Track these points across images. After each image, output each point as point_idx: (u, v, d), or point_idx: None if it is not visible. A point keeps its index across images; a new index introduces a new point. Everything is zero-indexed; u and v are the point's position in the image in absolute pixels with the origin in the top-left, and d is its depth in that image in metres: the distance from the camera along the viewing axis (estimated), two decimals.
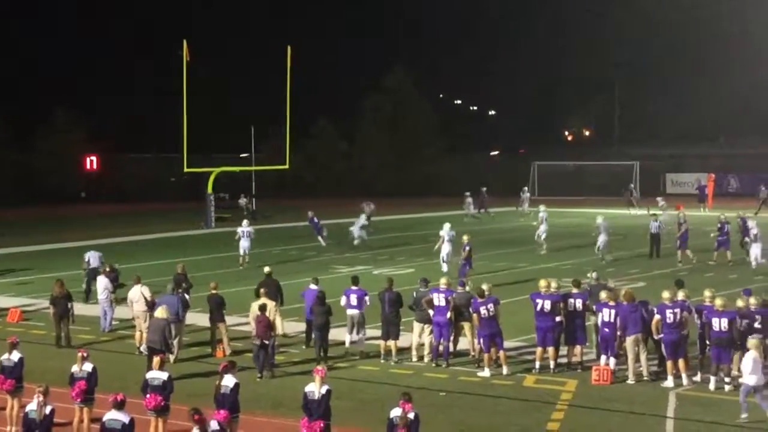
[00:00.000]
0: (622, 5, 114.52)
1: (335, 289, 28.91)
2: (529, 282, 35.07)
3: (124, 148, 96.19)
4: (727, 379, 22.62)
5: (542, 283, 24.86)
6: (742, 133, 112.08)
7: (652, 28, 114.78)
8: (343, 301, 26.56)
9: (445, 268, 38.81)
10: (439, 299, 25.08)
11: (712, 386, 22.67)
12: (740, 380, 20.94)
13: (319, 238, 51.06)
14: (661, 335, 23.22)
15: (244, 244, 44.62)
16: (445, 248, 39.87)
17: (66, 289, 28.67)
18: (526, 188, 68.43)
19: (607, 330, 23.65)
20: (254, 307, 25.12)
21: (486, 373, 24.05)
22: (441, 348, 25.19)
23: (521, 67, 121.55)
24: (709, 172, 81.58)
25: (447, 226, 40.59)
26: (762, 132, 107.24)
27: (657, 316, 23.23)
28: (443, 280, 25.89)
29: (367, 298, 26.44)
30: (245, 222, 46.14)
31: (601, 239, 43.34)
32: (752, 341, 21.23)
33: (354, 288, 26.67)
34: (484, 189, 67.71)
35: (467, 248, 37.43)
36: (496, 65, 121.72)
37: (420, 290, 26.10)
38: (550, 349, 24.41)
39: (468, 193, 65.93)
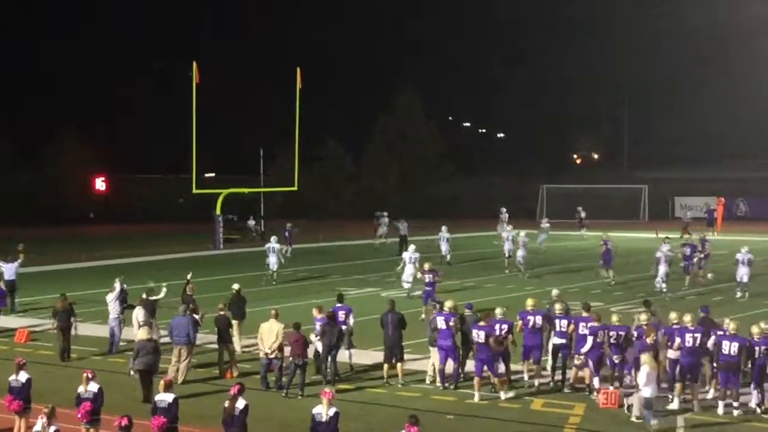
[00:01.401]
0: (629, 29, 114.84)
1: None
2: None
3: (134, 169, 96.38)
4: (735, 404, 22.55)
5: (530, 301, 25.78)
6: (752, 156, 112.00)
7: (661, 51, 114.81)
8: None
9: (406, 285, 39.83)
10: (441, 323, 25.00)
11: (720, 411, 22.62)
12: (643, 395, 21.58)
13: (286, 249, 52.48)
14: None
15: (271, 260, 45.69)
16: (408, 270, 40.41)
17: (69, 303, 29.28)
18: (504, 209, 66.32)
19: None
20: (263, 327, 25.14)
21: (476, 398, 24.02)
22: (448, 371, 25.10)
23: (530, 90, 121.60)
24: (719, 195, 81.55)
25: (411, 248, 41.87)
26: None
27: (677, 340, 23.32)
28: (448, 303, 25.80)
29: (352, 315, 27.10)
30: (273, 238, 46.98)
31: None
32: (644, 356, 21.83)
33: (339, 305, 27.34)
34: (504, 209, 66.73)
35: (431, 276, 36.21)
36: (505, 88, 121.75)
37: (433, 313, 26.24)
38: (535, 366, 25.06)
39: (504, 209, 65.29)
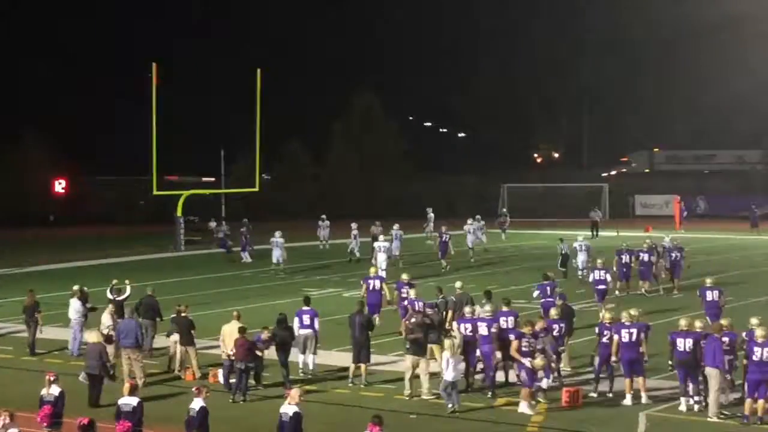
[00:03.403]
0: (590, 29, 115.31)
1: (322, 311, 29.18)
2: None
3: (94, 171, 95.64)
4: (697, 399, 22.71)
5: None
6: (709, 154, 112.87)
7: (619, 50, 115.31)
8: (295, 321, 26.64)
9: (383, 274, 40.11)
10: (483, 329, 24.89)
11: (682, 407, 22.79)
12: (445, 377, 22.73)
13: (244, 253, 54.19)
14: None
15: (276, 254, 48.56)
16: (380, 258, 43.38)
17: (35, 299, 29.99)
18: (430, 209, 65.85)
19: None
20: (225, 329, 25.13)
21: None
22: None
23: (491, 90, 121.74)
24: (677, 193, 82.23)
25: (381, 237, 46.99)
26: (728, 152, 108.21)
27: (615, 337, 23.55)
28: (487, 307, 25.65)
29: (317, 319, 26.70)
30: (278, 233, 49.36)
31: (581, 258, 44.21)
32: (447, 342, 23.18)
33: (306, 308, 26.94)
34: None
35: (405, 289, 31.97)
36: (467, 88, 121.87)
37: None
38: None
39: (430, 209, 64.88)
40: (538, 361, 22.96)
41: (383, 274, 40.23)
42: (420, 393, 23.96)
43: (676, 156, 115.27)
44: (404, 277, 31.45)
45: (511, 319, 25.24)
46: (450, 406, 22.77)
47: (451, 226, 52.39)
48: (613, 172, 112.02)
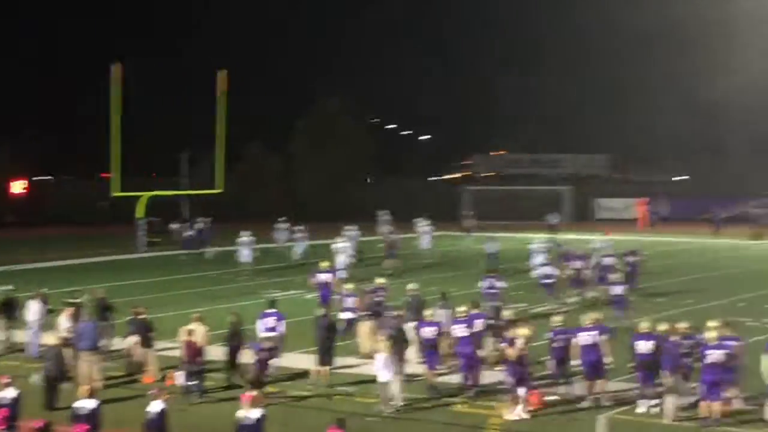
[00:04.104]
0: (551, 28, 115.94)
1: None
2: None
3: (55, 171, 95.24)
4: (656, 401, 22.80)
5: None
6: (670, 157, 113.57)
7: (587, 52, 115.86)
8: (258, 324, 26.51)
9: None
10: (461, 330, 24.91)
11: (641, 409, 22.87)
12: (378, 379, 23.08)
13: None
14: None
15: (245, 253, 49.08)
16: (339, 259, 43.58)
17: None
18: (381, 212, 65.56)
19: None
20: (181, 332, 25.01)
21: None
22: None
23: (453, 93, 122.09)
24: (640, 197, 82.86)
25: (340, 239, 47.48)
26: (689, 156, 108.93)
27: (574, 340, 23.59)
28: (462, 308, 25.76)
29: (282, 322, 26.61)
30: (245, 232, 49.89)
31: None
32: (383, 343, 23.45)
33: (270, 311, 26.81)
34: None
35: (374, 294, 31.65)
36: (430, 90, 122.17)
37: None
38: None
39: (381, 212, 64.53)
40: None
41: (344, 275, 40.34)
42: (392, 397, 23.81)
43: (520, 159, 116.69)
44: (379, 281, 31.22)
45: (480, 321, 25.28)
46: (383, 407, 22.92)
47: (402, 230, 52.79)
48: (458, 175, 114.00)
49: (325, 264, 36.72)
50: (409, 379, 24.82)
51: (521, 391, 22.76)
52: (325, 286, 34.98)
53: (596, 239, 47.44)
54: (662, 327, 23.32)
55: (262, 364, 24.29)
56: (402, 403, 23.35)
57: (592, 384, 23.42)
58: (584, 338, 23.46)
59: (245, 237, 50.11)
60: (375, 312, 28.79)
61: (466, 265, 52.45)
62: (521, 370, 22.86)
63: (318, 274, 35.41)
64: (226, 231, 59.62)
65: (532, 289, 39.70)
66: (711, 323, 23.04)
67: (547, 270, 37.31)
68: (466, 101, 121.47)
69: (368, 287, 31.15)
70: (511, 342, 23.11)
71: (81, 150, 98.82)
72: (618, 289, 33.82)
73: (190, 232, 59.87)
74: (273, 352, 24.90)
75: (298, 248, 54.26)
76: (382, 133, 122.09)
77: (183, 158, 78.69)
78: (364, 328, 28.69)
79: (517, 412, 22.56)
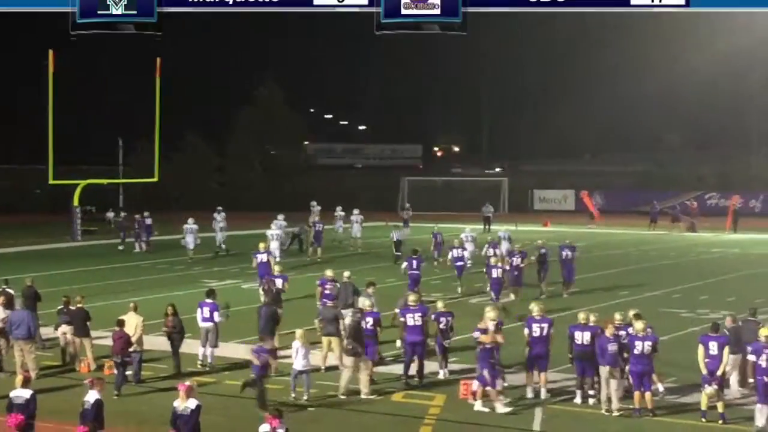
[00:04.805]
0: (492, 27, 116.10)
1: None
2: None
3: None
4: (591, 392, 22.99)
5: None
6: (607, 150, 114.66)
7: (520, 47, 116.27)
8: (197, 313, 26.51)
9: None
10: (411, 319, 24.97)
11: (578, 400, 23.05)
12: (294, 367, 23.29)
13: (139, 242, 55.03)
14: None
15: (189, 239, 50.40)
16: (272, 246, 44.25)
17: None
18: (314, 202, 64.93)
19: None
20: (121, 320, 24.83)
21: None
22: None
23: (391, 82, 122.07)
24: (576, 188, 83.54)
25: (274, 225, 49.26)
26: (626, 149, 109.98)
27: (526, 330, 23.64)
28: (412, 297, 25.79)
29: (217, 312, 26.53)
30: (191, 219, 50.99)
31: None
32: (299, 331, 23.51)
33: (208, 301, 26.77)
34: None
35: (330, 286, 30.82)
36: (367, 80, 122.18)
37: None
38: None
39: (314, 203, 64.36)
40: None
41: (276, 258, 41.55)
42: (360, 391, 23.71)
43: (331, 149, 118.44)
44: (329, 273, 31.12)
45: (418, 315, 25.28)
46: (294, 396, 23.16)
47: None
48: None
49: (262, 245, 38.36)
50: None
51: (499, 382, 22.76)
52: (263, 265, 36.64)
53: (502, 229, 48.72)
54: (594, 319, 23.42)
55: (263, 368, 22.83)
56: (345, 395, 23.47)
57: (532, 375, 23.57)
58: (535, 330, 23.48)
59: (191, 224, 50.88)
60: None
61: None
62: (496, 358, 22.84)
63: (258, 255, 37.29)
64: (163, 221, 59.53)
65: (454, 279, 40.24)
66: (632, 312, 23.56)
67: (457, 252, 40.02)
68: None
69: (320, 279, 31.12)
70: (485, 329, 23.02)
71: (18, 137, 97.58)
72: (497, 272, 34.77)
73: (120, 220, 59.46)
74: (273, 354, 23.72)
75: (218, 237, 53.76)
76: (317, 121, 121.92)
77: (119, 146, 77.94)
78: None
79: (499, 408, 22.47)
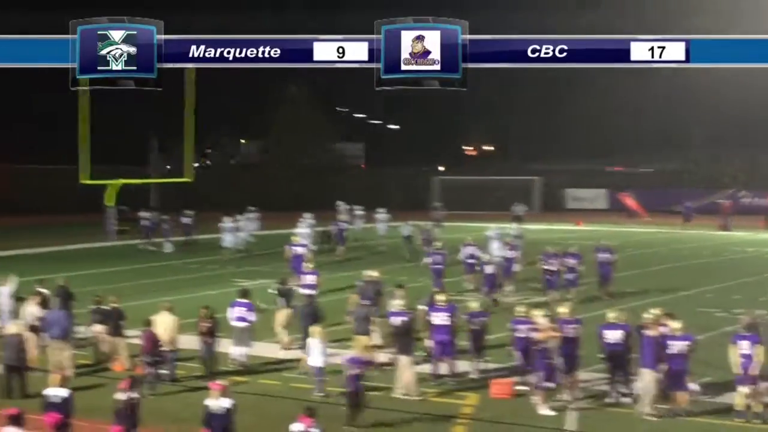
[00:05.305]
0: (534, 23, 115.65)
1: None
2: None
3: (21, 160, 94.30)
4: (624, 390, 22.92)
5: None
6: (639, 149, 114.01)
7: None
8: (229, 313, 26.55)
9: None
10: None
11: (610, 399, 22.98)
12: (310, 363, 23.63)
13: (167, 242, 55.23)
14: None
15: (227, 239, 50.46)
16: (227, 237, 48.13)
17: None
18: (341, 203, 64.50)
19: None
20: (155, 320, 24.95)
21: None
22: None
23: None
24: (607, 188, 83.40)
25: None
26: (658, 148, 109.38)
27: (557, 333, 23.57)
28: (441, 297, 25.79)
29: (253, 311, 26.54)
30: (227, 218, 51.16)
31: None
32: (316, 329, 23.85)
33: (241, 301, 26.74)
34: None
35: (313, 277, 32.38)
36: None
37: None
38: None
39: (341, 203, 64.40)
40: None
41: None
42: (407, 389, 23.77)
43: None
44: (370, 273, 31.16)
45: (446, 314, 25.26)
46: (317, 393, 23.25)
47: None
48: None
49: (297, 238, 39.76)
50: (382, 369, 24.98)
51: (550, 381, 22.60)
52: (298, 258, 37.29)
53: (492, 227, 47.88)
54: (625, 317, 23.38)
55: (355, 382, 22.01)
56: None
57: (567, 377, 23.42)
58: (567, 331, 23.35)
59: (229, 223, 51.20)
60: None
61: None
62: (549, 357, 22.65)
63: (294, 247, 38.51)
64: (200, 222, 59.78)
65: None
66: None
67: (436, 258, 39.00)
68: None
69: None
70: (534, 328, 23.08)
71: (48, 138, 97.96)
72: (490, 269, 35.45)
73: (147, 222, 59.42)
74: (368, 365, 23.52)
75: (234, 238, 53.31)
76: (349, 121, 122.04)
77: (153, 147, 78.18)
78: (280, 316, 28.94)
79: (543, 410, 22.36)
